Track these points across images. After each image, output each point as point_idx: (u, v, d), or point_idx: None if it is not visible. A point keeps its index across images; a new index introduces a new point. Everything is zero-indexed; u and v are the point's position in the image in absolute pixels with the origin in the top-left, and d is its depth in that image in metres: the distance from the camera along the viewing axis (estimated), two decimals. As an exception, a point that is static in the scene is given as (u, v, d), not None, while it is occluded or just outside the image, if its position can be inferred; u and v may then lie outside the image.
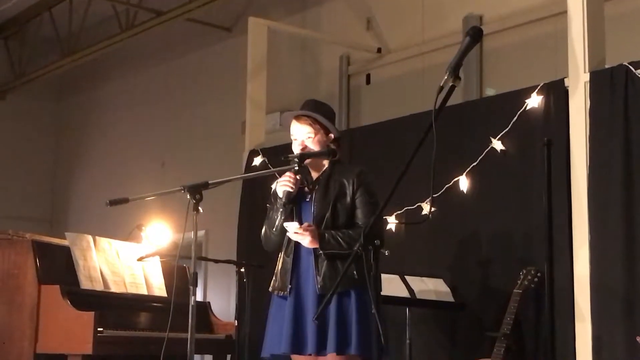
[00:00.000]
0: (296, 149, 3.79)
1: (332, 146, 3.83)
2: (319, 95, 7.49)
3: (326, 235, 3.66)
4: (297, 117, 3.82)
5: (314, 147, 3.77)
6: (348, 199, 3.74)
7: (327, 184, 3.77)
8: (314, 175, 3.83)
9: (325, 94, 7.64)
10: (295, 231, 3.64)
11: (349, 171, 3.80)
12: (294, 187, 3.69)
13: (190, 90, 9.42)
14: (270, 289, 3.82)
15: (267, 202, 3.91)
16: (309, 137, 3.78)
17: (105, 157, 10.38)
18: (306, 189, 3.79)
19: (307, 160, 3.75)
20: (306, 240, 3.64)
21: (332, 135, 3.84)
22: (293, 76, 8.25)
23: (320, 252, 3.65)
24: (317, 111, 3.82)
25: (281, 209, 3.72)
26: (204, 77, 9.27)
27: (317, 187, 3.77)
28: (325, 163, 3.82)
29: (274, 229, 3.77)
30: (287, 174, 3.71)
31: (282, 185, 3.70)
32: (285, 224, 3.67)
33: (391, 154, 5.52)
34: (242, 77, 7.08)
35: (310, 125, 3.79)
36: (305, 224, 3.66)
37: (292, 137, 3.83)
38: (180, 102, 9.53)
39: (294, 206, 3.74)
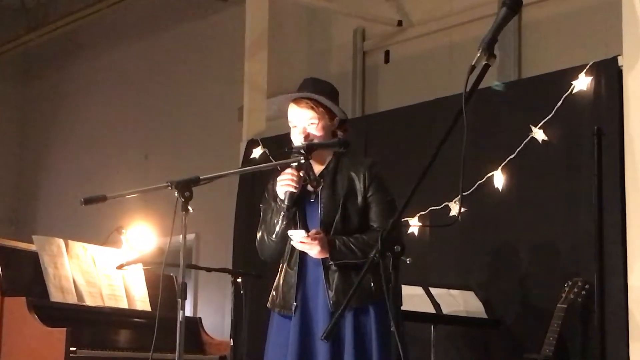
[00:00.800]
0: (297, 139, 3.74)
1: (340, 133, 3.79)
2: (329, 76, 7.46)
3: (337, 242, 3.62)
4: (296, 101, 3.77)
5: (318, 134, 3.73)
6: (359, 197, 3.71)
7: (333, 179, 3.73)
8: (317, 169, 3.79)
9: (336, 74, 7.63)
10: (301, 240, 3.60)
11: (358, 163, 3.76)
12: (297, 186, 3.63)
13: (179, 70, 9.43)
14: (269, 304, 3.80)
15: (260, 203, 3.87)
16: (311, 124, 3.73)
17: (79, 148, 10.40)
18: (309, 186, 3.74)
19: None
20: (315, 250, 3.61)
21: (337, 120, 3.80)
22: (299, 53, 8.25)
23: (331, 262, 3.63)
24: (318, 92, 3.77)
25: (283, 213, 3.66)
26: (194, 54, 9.28)
27: (322, 184, 3.73)
28: (330, 154, 3.78)
29: (273, 236, 3.72)
30: (288, 170, 3.64)
31: (284, 184, 3.63)
32: (290, 232, 3.62)
33: (413, 144, 5.51)
34: (240, 54, 7.07)
35: (312, 109, 3.74)
36: (313, 231, 3.61)
37: (291, 125, 3.78)
38: (166, 84, 9.54)
39: (297, 209, 3.69)
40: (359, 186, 3.72)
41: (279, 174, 3.70)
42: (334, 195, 3.71)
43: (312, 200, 3.73)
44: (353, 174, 3.73)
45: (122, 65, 10.11)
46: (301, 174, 3.65)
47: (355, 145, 3.94)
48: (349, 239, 3.64)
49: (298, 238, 3.60)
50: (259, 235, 3.82)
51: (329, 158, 3.78)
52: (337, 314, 2.97)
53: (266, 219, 3.78)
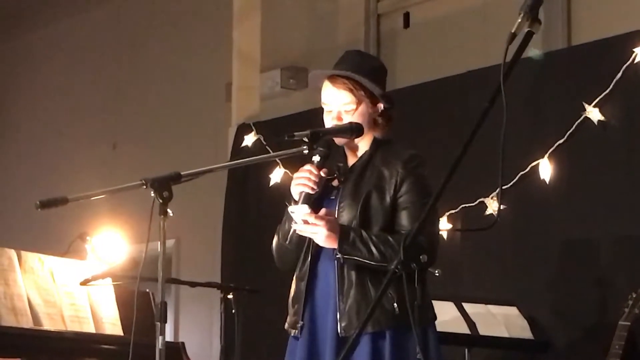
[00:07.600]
0: (329, 124, 3.78)
1: (381, 121, 3.81)
2: (336, 45, 7.47)
3: (352, 233, 3.63)
4: (332, 79, 3.79)
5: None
6: (387, 197, 3.72)
7: (361, 174, 3.76)
8: (351, 161, 3.83)
9: (344, 43, 7.62)
10: (304, 219, 3.61)
11: (394, 156, 3.77)
12: (314, 187, 3.66)
13: (153, 40, 9.42)
14: (286, 325, 3.84)
15: (285, 200, 3.88)
16: (347, 111, 3.75)
17: (33, 138, 10.41)
18: (335, 182, 3.78)
19: (342, 140, 3.74)
20: (321, 235, 3.61)
21: (380, 106, 3.82)
22: (299, 17, 8.24)
23: (338, 256, 3.63)
24: (360, 69, 3.78)
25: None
26: (172, 20, 9.27)
27: (348, 179, 3.76)
28: (367, 143, 3.81)
29: (287, 241, 3.79)
30: (306, 167, 3.69)
31: (299, 184, 3.67)
32: (290, 209, 3.66)
33: (441, 129, 5.51)
34: (227, 19, 7.07)
35: (350, 91, 3.76)
36: (323, 211, 3.63)
37: (325, 107, 3.82)
38: (138, 57, 9.54)
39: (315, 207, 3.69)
40: (390, 184, 3.73)
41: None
42: (355, 194, 3.74)
43: (332, 198, 3.78)
44: (384, 169, 3.76)
45: (85, 36, 10.10)
46: (323, 174, 3.69)
47: (393, 129, 3.88)
48: (369, 234, 3.65)
49: (300, 216, 3.62)
50: (275, 239, 3.89)
51: (365, 148, 3.82)
52: (348, 343, 2.92)
53: (283, 221, 3.84)
